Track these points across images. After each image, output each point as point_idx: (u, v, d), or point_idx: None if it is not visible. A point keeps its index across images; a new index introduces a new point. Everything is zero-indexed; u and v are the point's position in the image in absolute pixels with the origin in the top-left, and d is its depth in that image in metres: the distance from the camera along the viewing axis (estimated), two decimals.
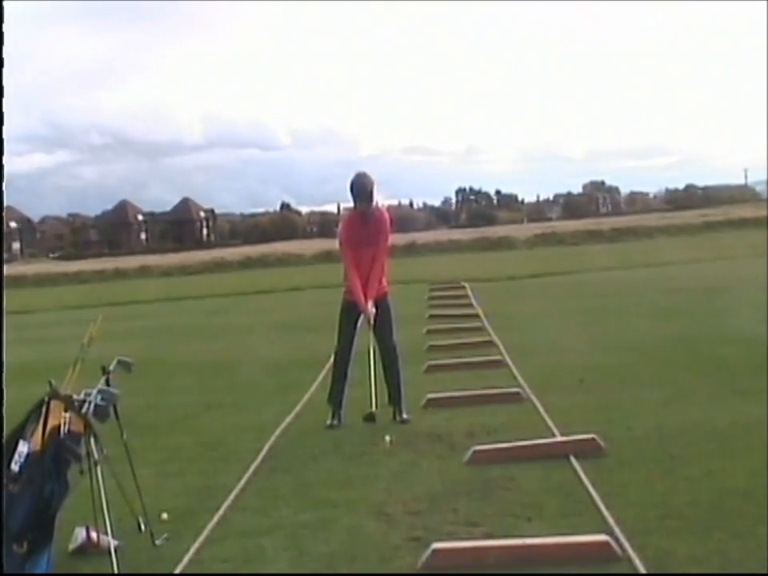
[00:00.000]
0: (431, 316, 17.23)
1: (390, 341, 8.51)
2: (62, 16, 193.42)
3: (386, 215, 8.56)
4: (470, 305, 19.09)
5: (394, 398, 8.51)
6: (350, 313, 8.52)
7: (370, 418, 7.98)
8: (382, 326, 8.45)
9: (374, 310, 8.35)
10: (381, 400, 8.52)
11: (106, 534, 5.12)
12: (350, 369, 8.54)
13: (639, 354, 11.49)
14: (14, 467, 4.91)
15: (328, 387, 8.75)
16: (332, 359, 8.79)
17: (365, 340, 8.58)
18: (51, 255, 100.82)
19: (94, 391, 5.25)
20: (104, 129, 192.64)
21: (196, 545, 5.44)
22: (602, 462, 6.63)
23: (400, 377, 8.54)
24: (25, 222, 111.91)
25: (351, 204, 8.48)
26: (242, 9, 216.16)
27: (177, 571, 5.08)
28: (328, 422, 8.46)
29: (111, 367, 5.51)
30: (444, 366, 11.20)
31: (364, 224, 8.35)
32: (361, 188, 8.25)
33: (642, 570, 4.62)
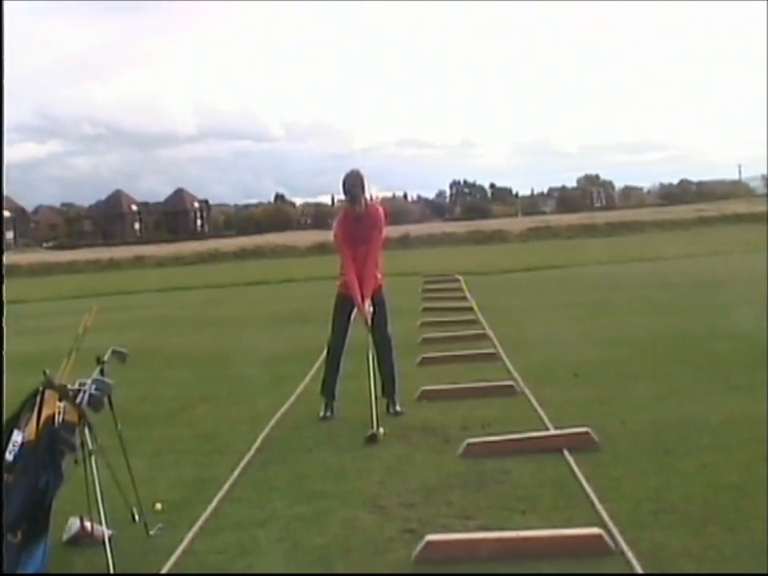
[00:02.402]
0: (425, 309, 17.22)
1: (384, 333, 8.51)
2: (54, 6, 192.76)
3: (381, 211, 8.52)
4: (464, 298, 19.10)
5: (388, 390, 8.52)
6: (344, 305, 8.52)
7: (371, 439, 7.55)
8: (378, 318, 8.45)
9: (371, 309, 8.34)
10: (375, 391, 8.55)
11: (100, 524, 5.12)
12: (343, 361, 8.55)
13: (633, 348, 11.50)
14: (9, 457, 4.90)
15: (321, 379, 8.76)
16: (325, 351, 8.79)
17: (359, 333, 8.59)
18: (45, 245, 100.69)
19: (89, 381, 5.24)
20: (96, 119, 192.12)
21: (190, 536, 5.45)
22: (595, 456, 6.64)
23: (394, 369, 8.55)
24: (18, 212, 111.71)
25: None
26: (235, 1, 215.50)
27: (170, 562, 5.08)
28: (321, 413, 8.47)
29: (106, 357, 5.50)
30: (438, 358, 11.20)
31: (358, 221, 8.33)
32: (351, 186, 8.21)
33: (635, 564, 4.63)
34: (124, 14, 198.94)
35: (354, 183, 8.21)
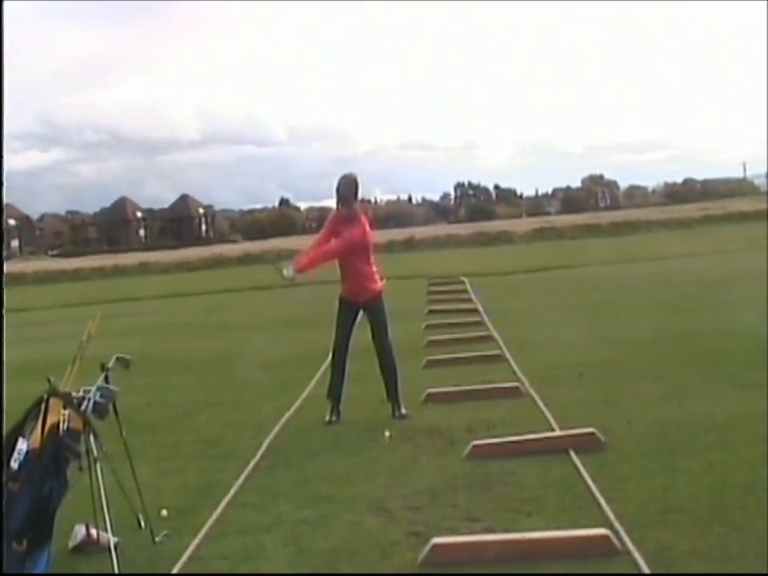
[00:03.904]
0: (430, 311, 17.21)
1: (385, 341, 8.54)
2: (55, 13, 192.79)
3: (363, 217, 8.60)
4: (469, 300, 19.08)
5: (392, 395, 8.53)
6: (346, 309, 8.56)
7: None
8: (378, 326, 8.50)
9: (297, 277, 8.40)
10: (380, 395, 8.58)
11: (106, 531, 5.12)
12: (347, 364, 8.56)
13: (638, 348, 11.49)
14: (14, 465, 4.91)
15: (327, 383, 8.76)
16: (330, 355, 8.81)
17: (363, 336, 8.60)
18: (50, 252, 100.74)
19: (93, 388, 5.25)
20: (99, 126, 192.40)
21: (195, 542, 5.45)
22: (601, 456, 6.63)
23: (397, 375, 8.56)
24: (24, 220, 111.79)
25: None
26: (238, 5, 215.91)
27: (176, 568, 5.08)
28: (327, 417, 8.47)
29: (110, 364, 5.51)
30: (443, 361, 11.20)
31: (346, 222, 8.45)
32: (344, 189, 8.43)
33: (642, 564, 4.62)
34: (125, 20, 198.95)
35: (346, 186, 8.45)
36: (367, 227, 8.52)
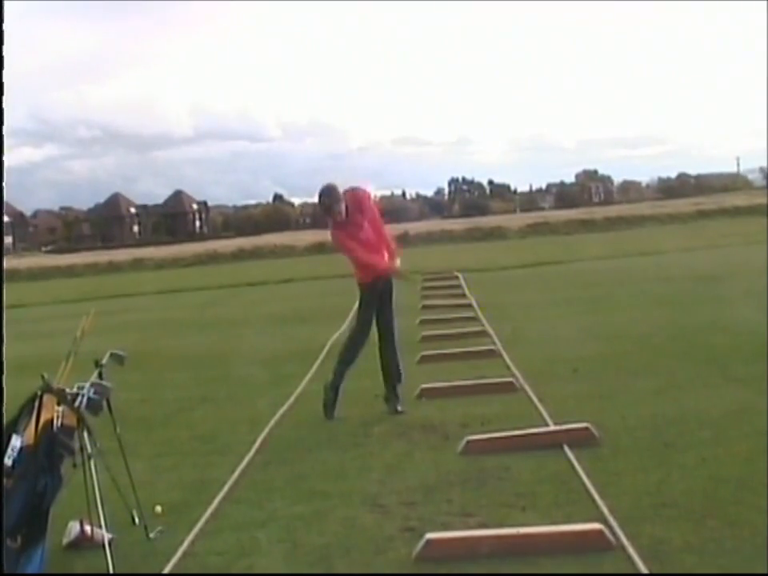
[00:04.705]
0: (424, 306, 17.20)
1: (390, 321, 8.48)
2: (47, 10, 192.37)
3: (359, 193, 8.43)
4: (463, 295, 19.08)
5: (394, 375, 8.44)
6: (369, 298, 8.45)
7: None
8: (385, 306, 8.45)
9: (398, 265, 8.47)
10: (374, 391, 8.57)
11: (100, 527, 5.12)
12: (360, 355, 8.48)
13: (633, 342, 11.50)
14: (7, 462, 4.89)
15: (324, 377, 8.73)
16: (346, 343, 8.69)
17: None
18: (44, 249, 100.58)
19: (87, 385, 5.24)
20: (92, 122, 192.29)
21: (190, 538, 5.45)
22: (595, 451, 6.63)
23: (398, 356, 8.50)
24: (17, 216, 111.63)
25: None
26: (231, 1, 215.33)
27: (171, 564, 5.07)
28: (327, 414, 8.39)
29: (104, 360, 5.50)
30: (437, 356, 11.18)
31: (345, 219, 8.29)
32: (326, 199, 8.20)
33: (636, 559, 4.63)
34: (118, 16, 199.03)
35: (328, 194, 8.22)
36: (369, 202, 8.43)
